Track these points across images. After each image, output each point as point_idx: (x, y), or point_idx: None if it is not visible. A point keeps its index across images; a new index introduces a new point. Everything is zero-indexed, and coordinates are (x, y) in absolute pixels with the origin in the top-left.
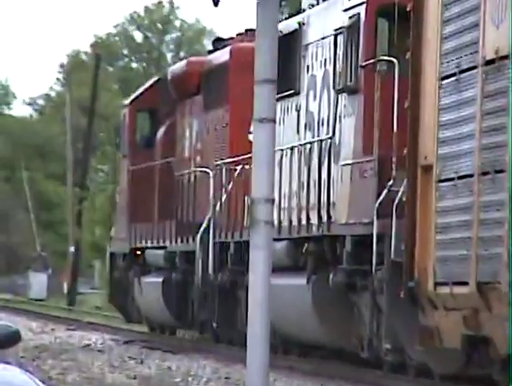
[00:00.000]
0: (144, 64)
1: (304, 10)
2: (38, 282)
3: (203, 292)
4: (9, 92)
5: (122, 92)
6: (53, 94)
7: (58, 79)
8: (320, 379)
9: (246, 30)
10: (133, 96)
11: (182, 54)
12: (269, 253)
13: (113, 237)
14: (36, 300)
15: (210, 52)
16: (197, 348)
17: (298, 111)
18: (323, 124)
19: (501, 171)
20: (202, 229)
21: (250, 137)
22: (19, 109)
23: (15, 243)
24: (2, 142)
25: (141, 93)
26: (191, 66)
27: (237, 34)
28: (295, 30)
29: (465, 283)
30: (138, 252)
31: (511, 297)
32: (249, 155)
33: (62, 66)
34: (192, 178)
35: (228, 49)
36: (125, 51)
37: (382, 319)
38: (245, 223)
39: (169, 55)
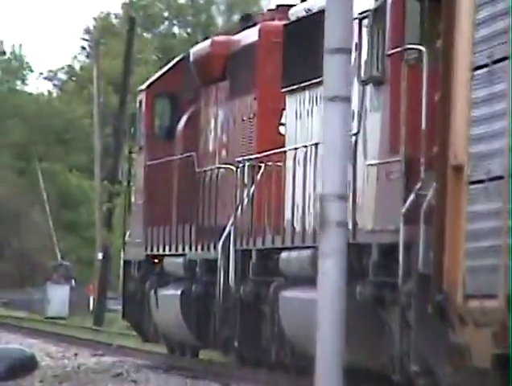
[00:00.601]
0: (189, 30)
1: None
2: (58, 297)
3: (225, 307)
4: (24, 64)
5: (161, 64)
6: (77, 66)
7: (83, 48)
8: None
9: (278, 6)
10: (151, 79)
11: (235, 17)
12: (342, 261)
13: (127, 242)
14: (56, 318)
15: (238, 32)
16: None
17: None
18: (353, 118)
19: None
20: (225, 235)
21: (281, 129)
22: (36, 85)
23: (31, 249)
24: (15, 126)
25: (160, 76)
26: (216, 47)
27: (268, 10)
28: (324, 8)
29: (495, 296)
30: (156, 260)
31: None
32: (279, 150)
33: (88, 31)
34: (215, 176)
35: (256, 28)
36: (166, 14)
37: (411, 338)
38: (266, 227)
39: (219, 19)
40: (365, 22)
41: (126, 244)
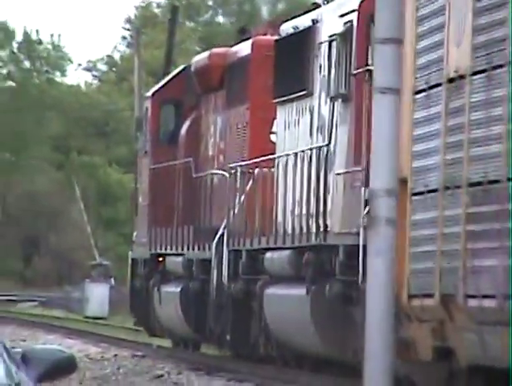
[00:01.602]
0: (233, 19)
1: (319, 6)
2: (97, 296)
3: (217, 303)
4: (63, 55)
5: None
6: (117, 57)
7: (124, 37)
8: None
9: (269, 22)
10: (156, 87)
11: (280, 7)
12: (391, 260)
13: (134, 242)
14: (95, 318)
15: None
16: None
17: (311, 113)
18: (324, 130)
19: (458, 187)
20: (218, 236)
21: (272, 137)
22: (74, 76)
23: (69, 247)
24: (54, 119)
25: (165, 83)
26: (214, 58)
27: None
28: (309, 27)
29: (432, 295)
30: (160, 259)
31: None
32: (268, 157)
33: (129, 21)
34: (209, 181)
35: (250, 42)
36: (210, 2)
37: None
38: (256, 229)
39: (264, 8)
40: (334, 44)
41: (134, 244)
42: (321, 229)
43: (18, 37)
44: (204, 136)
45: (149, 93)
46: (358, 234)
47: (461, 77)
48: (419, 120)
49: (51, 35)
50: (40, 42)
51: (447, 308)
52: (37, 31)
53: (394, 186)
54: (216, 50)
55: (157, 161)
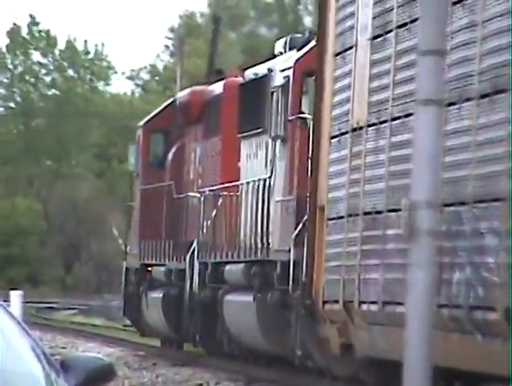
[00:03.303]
0: (276, 30)
1: (275, 56)
2: None
3: (190, 307)
4: (107, 65)
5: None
6: (160, 66)
7: (166, 46)
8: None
9: (239, 66)
10: (147, 118)
11: None
12: (432, 273)
13: (128, 253)
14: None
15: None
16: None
17: (266, 148)
18: (268, 164)
19: (357, 215)
20: (191, 250)
21: (239, 164)
22: (117, 85)
23: (109, 255)
24: (96, 127)
25: (155, 115)
26: (194, 95)
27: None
28: (265, 75)
29: (338, 301)
30: (149, 268)
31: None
32: (233, 184)
33: (172, 30)
34: (186, 202)
35: (222, 82)
36: (252, 13)
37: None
38: (220, 244)
39: (307, 19)
40: (275, 94)
41: (127, 254)
42: (265, 246)
43: (61, 45)
44: (187, 162)
45: (141, 123)
46: (290, 251)
47: (360, 128)
48: (334, 159)
49: (96, 45)
50: (87, 52)
51: (348, 312)
52: (85, 42)
53: (434, 198)
54: (196, 88)
55: (147, 182)
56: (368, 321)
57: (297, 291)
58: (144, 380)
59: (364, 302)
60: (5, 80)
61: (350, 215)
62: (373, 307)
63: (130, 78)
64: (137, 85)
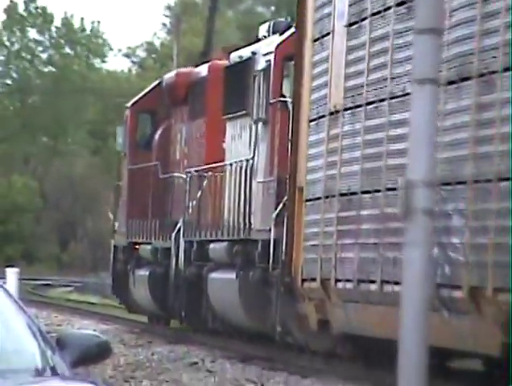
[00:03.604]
0: (272, 8)
1: (260, 40)
2: None
3: (175, 284)
4: (103, 42)
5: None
6: (157, 43)
7: (163, 24)
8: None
9: (224, 48)
10: (135, 99)
11: None
12: (428, 252)
13: (116, 231)
14: None
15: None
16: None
17: (250, 130)
18: (250, 146)
19: (333, 196)
20: (177, 229)
21: (224, 145)
22: (114, 62)
23: (105, 231)
24: (93, 104)
25: (142, 96)
26: (180, 77)
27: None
28: (249, 58)
29: (315, 279)
30: (136, 247)
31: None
32: (218, 164)
33: (169, 8)
34: (172, 182)
35: (207, 65)
36: None
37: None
38: (205, 223)
39: None
40: (258, 77)
41: (115, 232)
42: (247, 226)
43: (57, 22)
44: (173, 142)
45: (128, 104)
46: (270, 230)
47: (337, 112)
48: (312, 142)
49: (92, 22)
50: (84, 29)
51: (325, 289)
52: (81, 19)
53: (431, 178)
54: (182, 70)
55: (134, 162)
56: (343, 298)
57: (277, 269)
58: (140, 358)
59: (340, 280)
60: (1, 58)
61: (327, 197)
62: (349, 285)
63: (127, 55)
64: (133, 62)
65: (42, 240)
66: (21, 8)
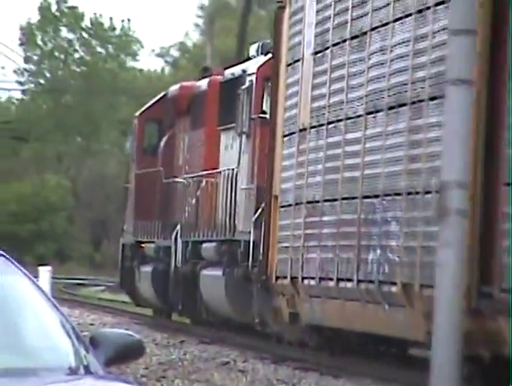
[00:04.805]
0: None
1: (250, 58)
2: None
3: (174, 280)
4: (134, 40)
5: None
6: (189, 43)
7: (197, 24)
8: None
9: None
10: (143, 108)
11: None
12: (462, 251)
13: (124, 230)
14: None
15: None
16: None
17: (237, 141)
18: (237, 156)
19: (301, 203)
20: (176, 230)
21: (219, 154)
22: (147, 62)
23: None
24: (125, 103)
25: (150, 106)
26: (183, 90)
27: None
28: (240, 75)
29: (286, 277)
30: (142, 245)
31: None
32: (213, 171)
33: (202, 8)
34: (173, 187)
35: (207, 80)
36: None
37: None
38: (199, 225)
39: None
40: (241, 95)
41: (124, 232)
42: (232, 228)
43: (87, 22)
44: (177, 150)
45: (137, 113)
46: (250, 232)
47: (305, 129)
48: (285, 155)
49: (122, 21)
50: (114, 28)
51: (294, 286)
52: (110, 19)
53: (465, 179)
54: (185, 83)
55: (141, 167)
56: (309, 294)
57: (256, 268)
58: (172, 357)
59: (306, 278)
60: (34, 57)
61: (297, 204)
62: (312, 282)
63: (160, 55)
64: (166, 62)
65: (74, 239)
66: (54, 8)
